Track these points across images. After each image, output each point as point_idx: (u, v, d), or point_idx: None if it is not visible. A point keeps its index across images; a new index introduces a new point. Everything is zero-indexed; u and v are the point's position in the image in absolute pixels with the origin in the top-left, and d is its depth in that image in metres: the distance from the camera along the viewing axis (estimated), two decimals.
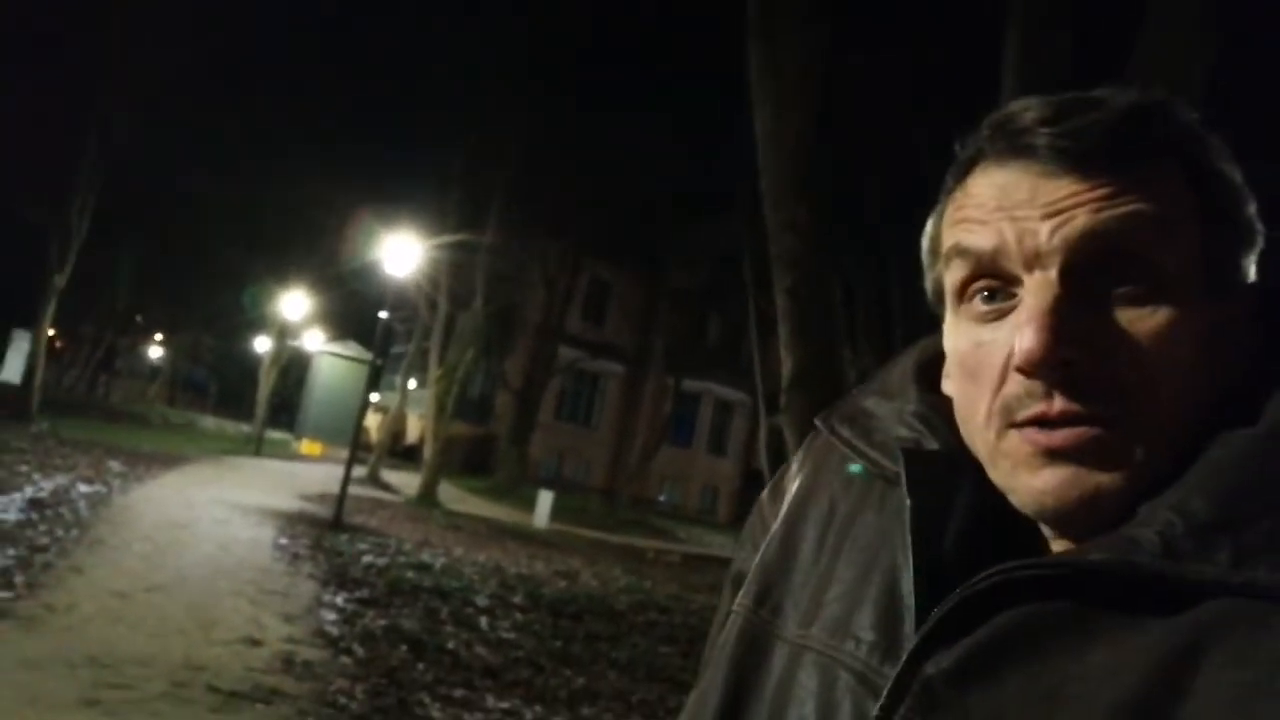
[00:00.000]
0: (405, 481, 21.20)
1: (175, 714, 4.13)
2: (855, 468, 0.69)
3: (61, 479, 10.79)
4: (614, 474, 30.38)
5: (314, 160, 22.09)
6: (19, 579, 5.78)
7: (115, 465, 13.66)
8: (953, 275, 0.60)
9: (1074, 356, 0.52)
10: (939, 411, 0.65)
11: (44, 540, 7.14)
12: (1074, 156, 0.54)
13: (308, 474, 19.93)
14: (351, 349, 34.51)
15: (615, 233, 25.43)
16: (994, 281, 0.57)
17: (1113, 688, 0.47)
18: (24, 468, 10.99)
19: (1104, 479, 0.52)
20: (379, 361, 19.73)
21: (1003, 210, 0.56)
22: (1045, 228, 0.54)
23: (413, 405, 28.69)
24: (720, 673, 0.68)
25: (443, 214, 19.30)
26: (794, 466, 0.77)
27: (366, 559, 9.36)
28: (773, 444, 6.58)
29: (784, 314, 4.94)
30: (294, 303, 26.50)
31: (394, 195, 18.94)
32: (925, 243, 0.65)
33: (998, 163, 0.58)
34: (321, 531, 10.99)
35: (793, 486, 0.75)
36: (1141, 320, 0.53)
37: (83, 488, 10.48)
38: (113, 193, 20.86)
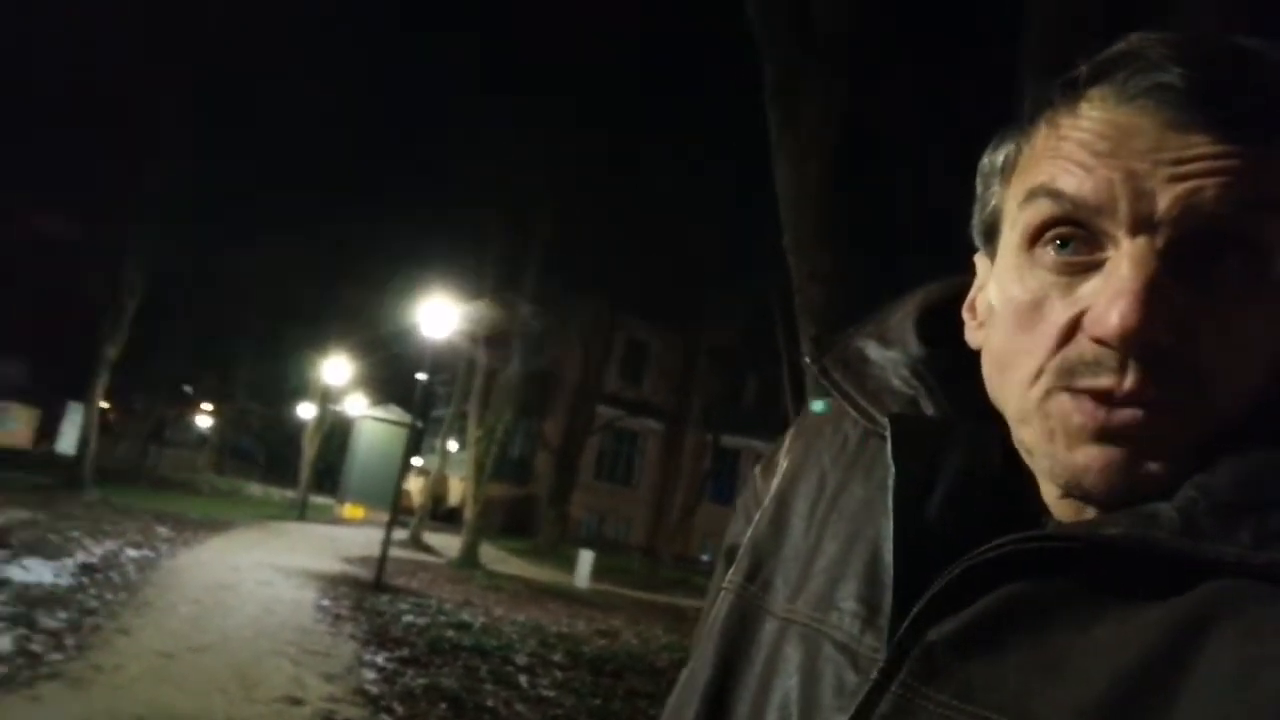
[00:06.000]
0: (447, 543, 21.23)
1: None
2: (817, 405, 0.68)
3: (111, 544, 11.00)
4: (655, 532, 30.14)
5: (352, 225, 22.66)
6: (69, 641, 5.91)
7: (163, 531, 13.89)
8: (1032, 214, 0.52)
9: (1165, 341, 0.47)
10: (937, 369, 0.63)
11: (93, 603, 7.28)
12: (1217, 113, 0.47)
13: (350, 538, 20.06)
14: (393, 413, 34.89)
15: (651, 292, 25.61)
16: (1079, 230, 0.50)
17: (1115, 660, 0.46)
18: (76, 534, 11.23)
19: (1155, 466, 0.49)
20: (419, 424, 19.96)
21: (1116, 158, 0.49)
22: (1165, 191, 0.47)
23: (454, 467, 28.85)
24: (710, 649, 0.68)
25: (480, 275, 19.63)
26: (786, 443, 0.75)
27: (407, 619, 9.39)
28: None
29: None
30: (335, 368, 26.97)
31: (431, 257, 19.26)
32: (995, 161, 0.58)
33: (1119, 97, 0.50)
34: (363, 593, 11.04)
35: (784, 463, 0.73)
36: (1242, 312, 0.48)
37: (131, 553, 10.68)
38: (163, 266, 21.57)
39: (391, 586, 11.98)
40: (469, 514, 19.28)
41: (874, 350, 0.66)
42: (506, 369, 20.29)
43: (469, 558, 18.16)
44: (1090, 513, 0.52)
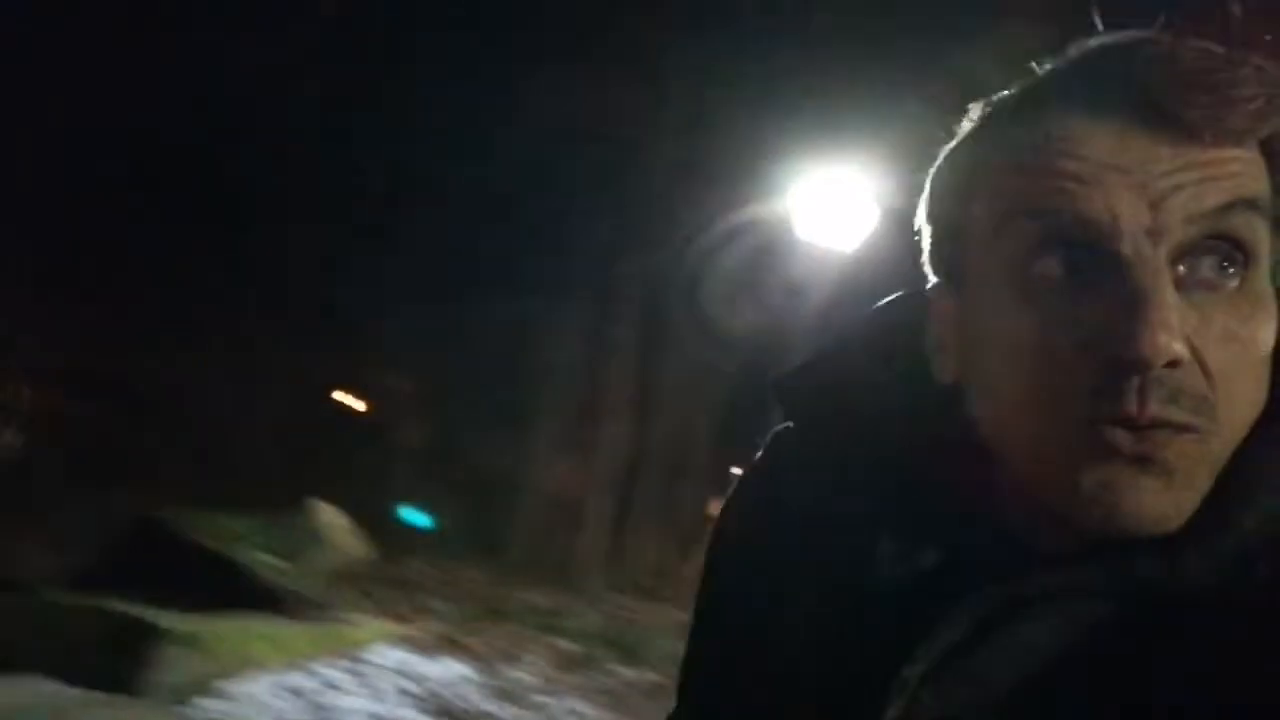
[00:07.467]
0: None
1: None
2: (781, 432, 0.67)
3: None
4: None
5: None
6: None
7: None
8: (1017, 241, 0.49)
9: (1184, 356, 0.44)
10: (902, 391, 0.58)
11: None
12: (1196, 118, 0.45)
13: None
14: None
15: None
16: (1072, 249, 0.47)
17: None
18: None
19: (1182, 495, 0.46)
20: None
21: (1110, 170, 0.46)
22: (1163, 201, 0.45)
23: None
24: (687, 708, 0.69)
25: None
26: (750, 476, 0.70)
27: None
28: None
29: None
30: None
31: None
32: (948, 181, 0.54)
33: (1094, 106, 0.47)
34: None
35: (748, 499, 0.69)
36: (1238, 315, 0.47)
37: None
38: None
39: None
40: None
41: (838, 374, 0.62)
42: None
43: None
44: (1099, 547, 0.48)
